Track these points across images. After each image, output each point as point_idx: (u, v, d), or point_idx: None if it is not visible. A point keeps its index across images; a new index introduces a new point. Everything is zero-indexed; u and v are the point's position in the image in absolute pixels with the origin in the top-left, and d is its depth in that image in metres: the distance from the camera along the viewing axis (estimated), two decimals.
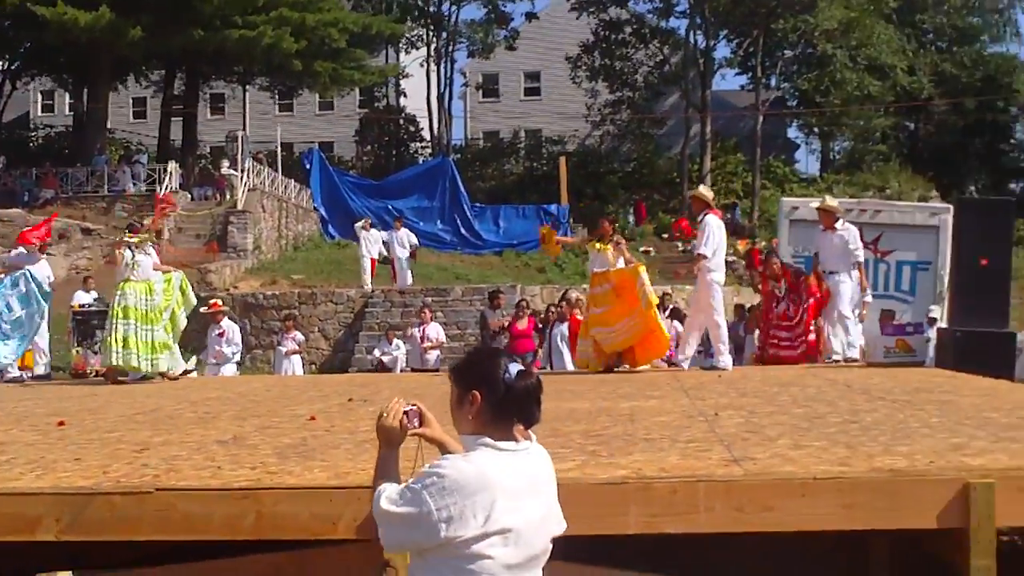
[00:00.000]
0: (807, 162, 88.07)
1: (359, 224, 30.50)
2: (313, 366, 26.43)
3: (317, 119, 65.29)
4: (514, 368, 3.78)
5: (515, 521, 3.65)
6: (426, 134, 61.86)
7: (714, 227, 14.01)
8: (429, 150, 60.67)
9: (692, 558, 6.45)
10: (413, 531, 3.66)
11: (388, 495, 3.74)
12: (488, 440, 3.73)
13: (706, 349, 16.16)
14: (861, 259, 15.38)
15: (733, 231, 42.71)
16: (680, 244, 43.42)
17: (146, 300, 14.62)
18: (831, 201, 15.83)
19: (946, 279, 19.20)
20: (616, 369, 14.50)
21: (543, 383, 3.88)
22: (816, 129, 62.69)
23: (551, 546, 3.88)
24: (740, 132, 58.50)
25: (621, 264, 14.60)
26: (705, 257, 13.94)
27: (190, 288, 15.43)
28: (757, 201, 52.46)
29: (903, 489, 5.25)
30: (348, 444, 6.84)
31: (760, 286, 16.25)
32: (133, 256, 14.65)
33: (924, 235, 21.87)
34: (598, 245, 14.64)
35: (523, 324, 20.81)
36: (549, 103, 64.84)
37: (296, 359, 23.12)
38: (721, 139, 57.27)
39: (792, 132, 67.10)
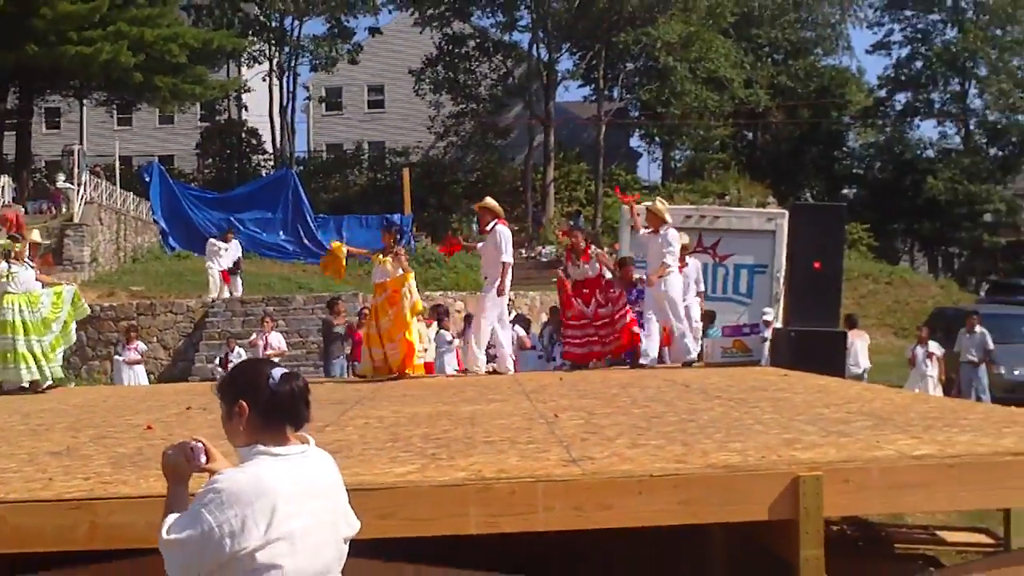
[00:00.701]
0: (649, 170, 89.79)
1: (213, 240, 30.06)
2: (152, 376, 25.97)
3: (157, 132, 64.15)
4: (278, 372, 3.74)
5: (297, 525, 3.59)
6: (268, 147, 61.32)
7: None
8: (271, 163, 60.14)
9: (536, 556, 6.52)
10: (201, 553, 3.53)
11: (168, 525, 3.62)
12: (261, 448, 3.67)
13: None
14: (670, 264, 15.13)
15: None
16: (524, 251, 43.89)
17: (29, 311, 14.34)
18: (660, 204, 15.79)
19: (782, 281, 19.62)
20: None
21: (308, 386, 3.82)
22: (657, 139, 63.59)
23: (346, 549, 3.84)
24: (583, 142, 59.09)
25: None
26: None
27: (83, 300, 15.22)
28: (600, 208, 53.03)
29: (736, 484, 5.36)
30: None
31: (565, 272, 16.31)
32: (9, 268, 14.34)
33: (761, 239, 22.26)
34: (380, 257, 14.80)
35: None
36: (393, 115, 64.74)
37: (140, 369, 22.70)
38: (565, 149, 57.78)
39: (634, 142, 68.08)
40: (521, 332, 20.39)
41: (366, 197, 54.56)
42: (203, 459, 3.76)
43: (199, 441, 3.80)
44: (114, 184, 42.17)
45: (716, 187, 56.67)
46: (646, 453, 6.00)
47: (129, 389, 17.69)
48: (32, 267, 14.69)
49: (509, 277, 14.63)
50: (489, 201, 15.26)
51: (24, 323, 14.30)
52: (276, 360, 4.00)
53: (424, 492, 5.20)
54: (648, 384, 11.32)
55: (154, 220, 41.02)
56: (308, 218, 39.05)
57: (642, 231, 15.49)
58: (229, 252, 29.37)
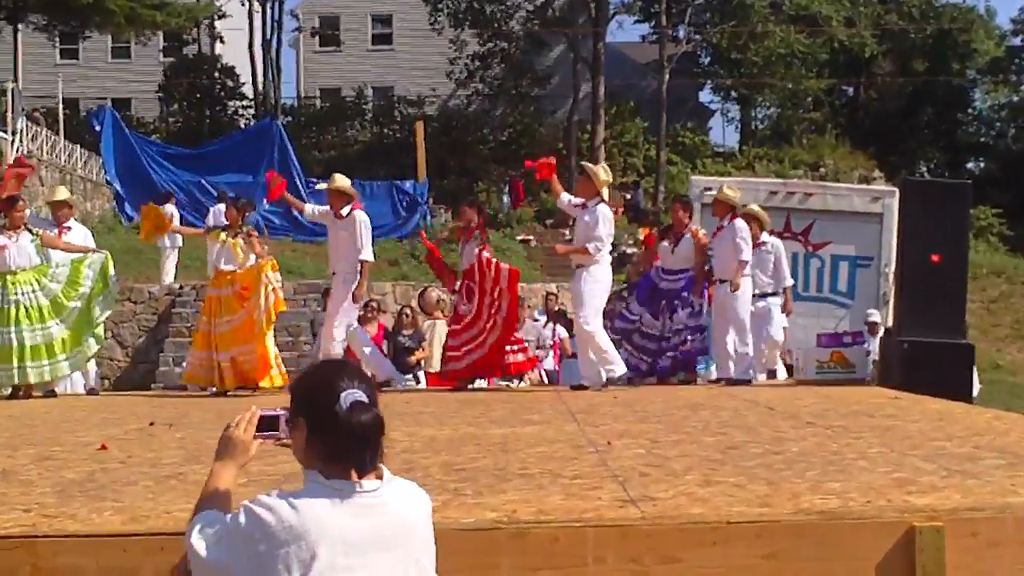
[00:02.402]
0: (723, 132, 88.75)
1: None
2: (107, 381, 25.96)
3: (110, 70, 64.14)
4: (349, 397, 3.74)
5: None
6: (248, 91, 61.26)
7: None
8: (252, 111, 60.15)
9: None
10: None
11: (202, 530, 3.71)
12: (320, 479, 3.71)
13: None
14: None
15: (634, 216, 42.95)
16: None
17: (33, 291, 14.47)
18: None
19: (891, 278, 19.45)
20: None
21: (384, 417, 3.82)
22: (734, 93, 63.30)
23: None
24: (641, 94, 58.92)
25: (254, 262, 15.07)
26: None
27: (114, 275, 15.31)
28: (663, 179, 52.78)
29: (835, 534, 5.31)
30: (148, 480, 6.72)
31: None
32: None
33: (864, 224, 22.13)
34: (223, 236, 14.96)
35: (371, 329, 20.72)
36: (403, 55, 64.59)
37: (91, 367, 22.68)
38: (618, 103, 57.62)
39: (705, 96, 67.81)
40: (563, 334, 20.35)
41: (370, 158, 54.21)
42: (287, 431, 3.88)
43: (283, 409, 3.90)
44: (57, 134, 42.16)
45: (807, 156, 56.53)
46: (722, 493, 5.97)
47: (77, 399, 17.49)
48: (36, 235, 14.74)
49: (366, 278, 15.60)
50: (340, 181, 15.79)
51: (20, 309, 14.38)
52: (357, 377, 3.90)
53: (445, 537, 5.04)
54: (724, 405, 11.31)
55: (106, 181, 40.87)
56: (299, 183, 38.31)
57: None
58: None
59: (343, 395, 3.73)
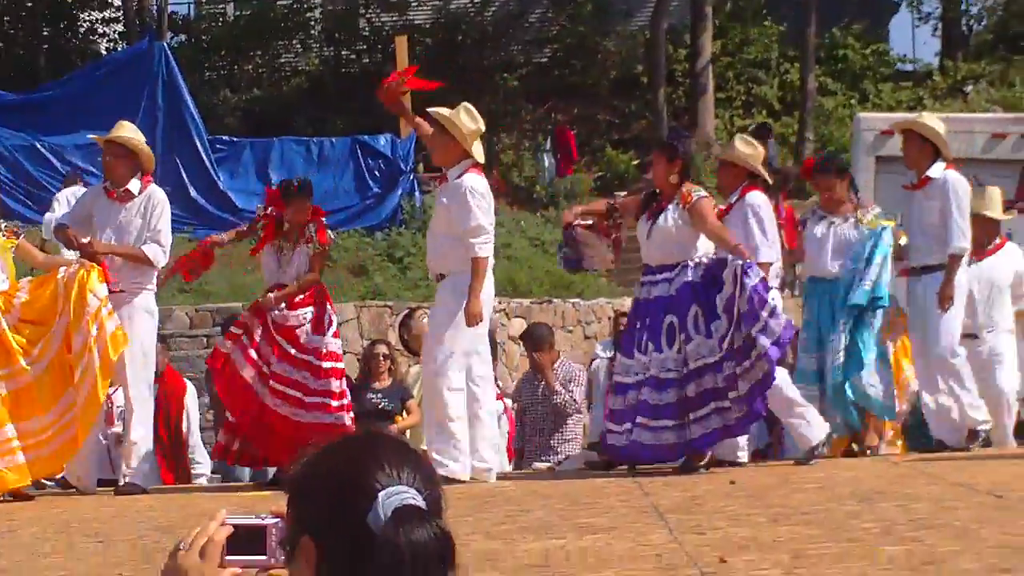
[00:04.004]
0: (914, 40, 67.37)
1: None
2: None
3: None
4: (392, 502, 2.70)
5: None
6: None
7: None
8: (120, 28, 43.80)
9: None
10: None
11: None
12: None
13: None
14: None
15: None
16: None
17: None
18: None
19: None
20: None
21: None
22: None
23: None
24: None
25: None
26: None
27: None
28: (809, 118, 36.59)
29: None
30: None
31: None
32: None
33: None
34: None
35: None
36: None
37: None
38: None
39: None
40: None
41: (319, 100, 39.08)
42: (278, 554, 2.90)
43: (274, 516, 2.90)
44: None
45: None
46: None
47: None
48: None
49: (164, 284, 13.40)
50: (129, 135, 12.23)
51: None
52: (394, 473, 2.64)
53: None
54: (915, 492, 9.61)
55: None
56: (197, 141, 29.22)
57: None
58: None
59: (381, 496, 2.76)
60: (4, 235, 12.18)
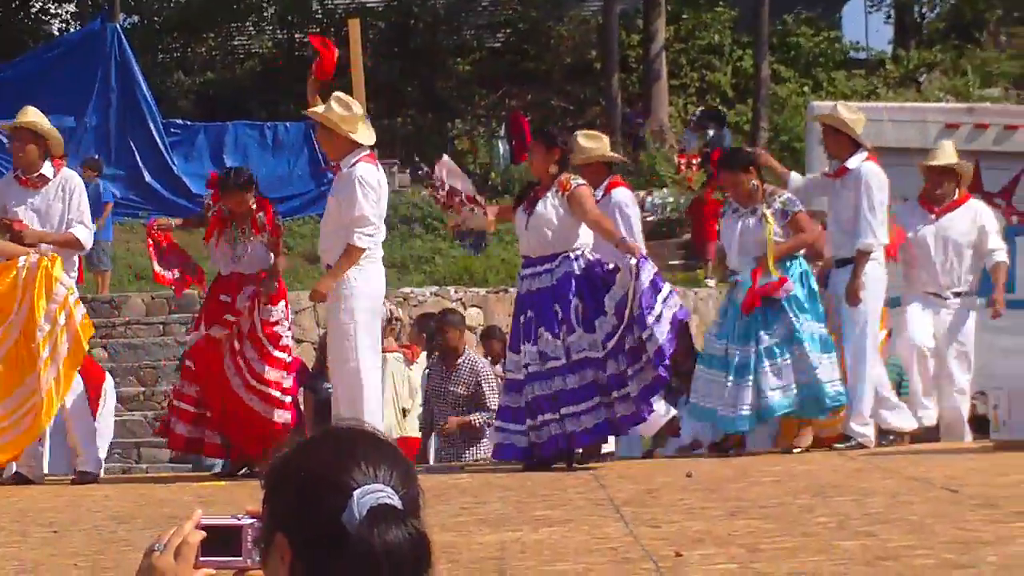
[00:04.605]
0: (867, 28, 65.20)
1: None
2: None
3: None
4: (367, 500, 2.67)
5: None
6: None
7: None
8: (71, 8, 43.96)
9: None
10: None
11: None
12: None
13: None
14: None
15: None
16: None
17: None
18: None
19: None
20: None
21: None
22: None
23: None
24: None
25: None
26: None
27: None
28: (763, 106, 36.77)
29: None
30: None
31: None
32: None
33: None
34: None
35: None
36: None
37: None
38: None
39: None
40: None
41: (271, 83, 38.95)
42: (254, 555, 2.90)
43: (251, 516, 2.91)
44: None
45: (1010, 65, 40.56)
46: None
47: None
48: None
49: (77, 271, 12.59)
50: (34, 119, 12.11)
51: None
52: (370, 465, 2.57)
53: None
54: (870, 487, 9.60)
55: None
56: (151, 125, 29.14)
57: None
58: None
59: (356, 494, 2.72)
60: None
